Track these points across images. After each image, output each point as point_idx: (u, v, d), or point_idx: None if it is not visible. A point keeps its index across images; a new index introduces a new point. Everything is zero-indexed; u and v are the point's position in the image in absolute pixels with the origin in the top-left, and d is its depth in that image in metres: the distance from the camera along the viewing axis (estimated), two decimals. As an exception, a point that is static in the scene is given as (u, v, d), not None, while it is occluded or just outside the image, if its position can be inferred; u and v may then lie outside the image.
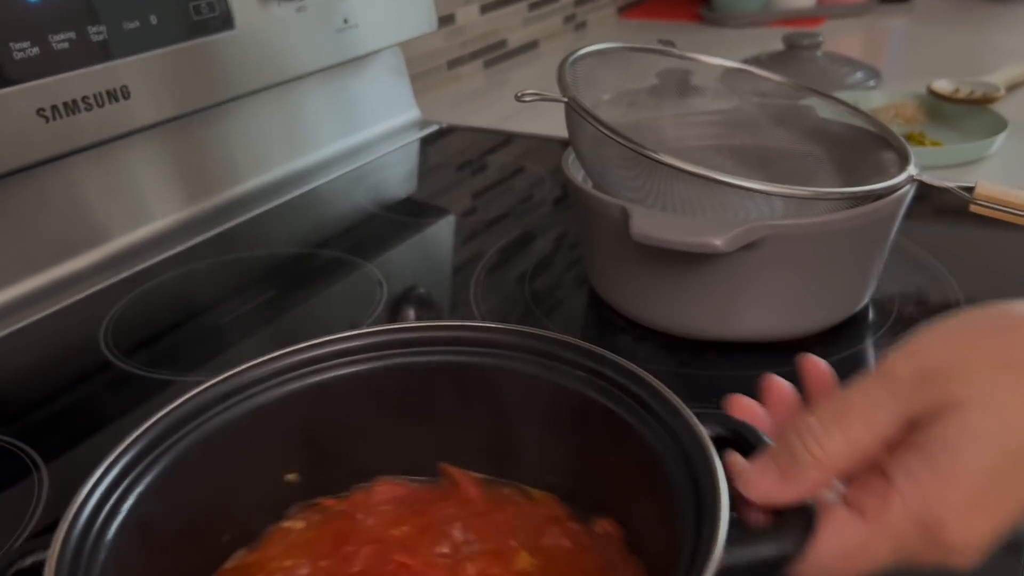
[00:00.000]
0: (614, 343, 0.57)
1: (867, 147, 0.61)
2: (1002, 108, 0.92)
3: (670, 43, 0.67)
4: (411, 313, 0.70)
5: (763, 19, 1.48)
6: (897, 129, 0.94)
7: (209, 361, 0.56)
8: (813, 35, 1.12)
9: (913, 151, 0.84)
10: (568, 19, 1.49)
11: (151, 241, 0.74)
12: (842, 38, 1.37)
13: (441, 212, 0.82)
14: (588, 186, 0.58)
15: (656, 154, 0.50)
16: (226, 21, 0.74)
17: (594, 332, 0.60)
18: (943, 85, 0.96)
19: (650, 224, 0.50)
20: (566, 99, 0.54)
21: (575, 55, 0.59)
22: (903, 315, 0.58)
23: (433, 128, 1.03)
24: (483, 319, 0.61)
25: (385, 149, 0.95)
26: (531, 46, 1.41)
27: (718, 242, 0.48)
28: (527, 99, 0.54)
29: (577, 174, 0.59)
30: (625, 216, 0.51)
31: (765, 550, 0.27)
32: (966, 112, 0.93)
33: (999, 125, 0.88)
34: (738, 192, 0.51)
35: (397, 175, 0.91)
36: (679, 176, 0.51)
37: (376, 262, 0.70)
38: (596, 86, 0.62)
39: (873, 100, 1.00)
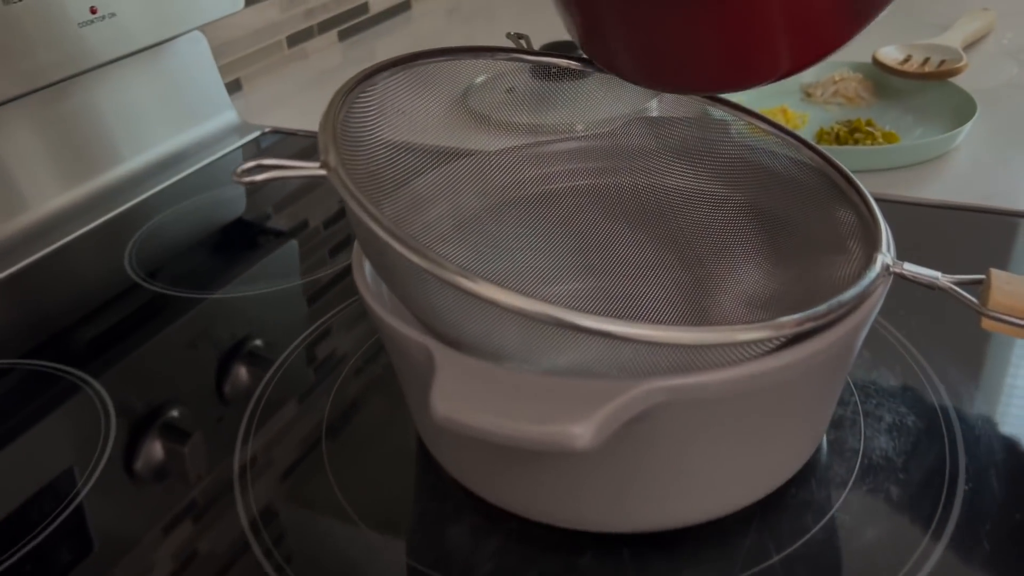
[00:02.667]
0: (449, 532, 0.37)
1: (809, 189, 0.41)
2: (963, 78, 0.73)
3: (523, 37, 0.45)
4: (243, 372, 0.50)
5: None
6: (839, 112, 0.75)
7: None
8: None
9: (863, 153, 0.65)
10: (445, -29, 1.26)
11: None
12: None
13: (266, 246, 0.61)
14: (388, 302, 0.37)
15: (456, 276, 0.29)
16: None
17: (426, 510, 0.39)
18: (891, 53, 0.77)
19: (462, 398, 0.29)
20: (323, 171, 0.32)
21: (359, 81, 0.37)
22: (872, 460, 0.39)
23: (255, 134, 0.80)
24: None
25: (176, 175, 0.72)
26: (401, 8, 1.18)
27: (577, 431, 0.28)
28: (257, 181, 0.32)
29: (378, 281, 0.38)
30: (430, 364, 0.31)
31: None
32: (922, 85, 0.74)
33: (965, 105, 0.69)
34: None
35: (180, 216, 0.68)
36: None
37: (107, 376, 0.48)
38: (406, 117, 0.40)
39: (807, 73, 0.79)
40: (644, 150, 0.46)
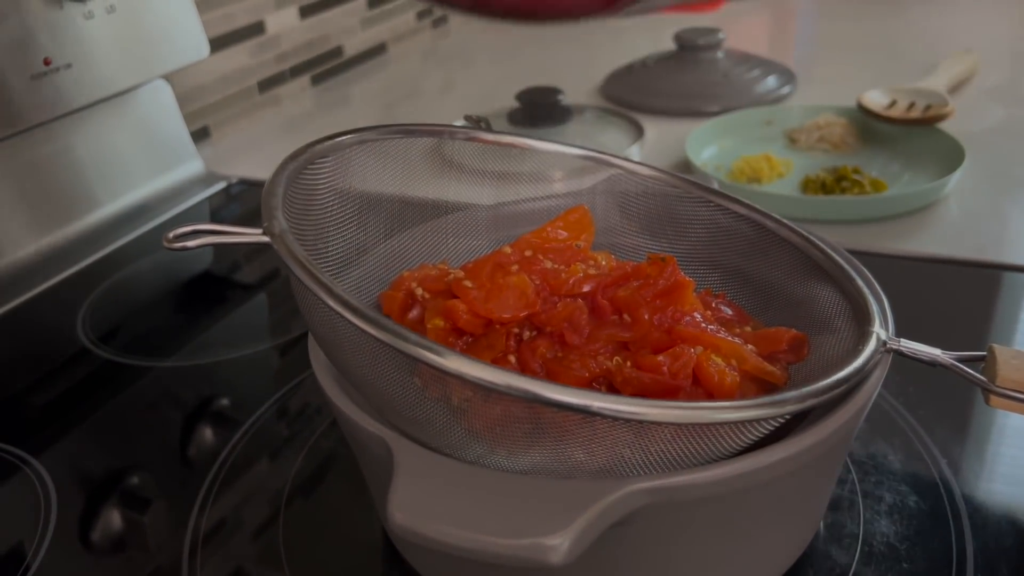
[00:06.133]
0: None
1: (788, 266, 0.38)
2: (949, 123, 0.71)
3: (483, 121, 0.43)
4: (208, 432, 0.47)
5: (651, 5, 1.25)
6: (824, 159, 0.73)
7: None
8: (712, 33, 0.90)
9: (851, 203, 0.62)
10: (423, 14, 1.24)
11: None
12: (742, 23, 1.15)
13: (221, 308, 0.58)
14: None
15: (421, 348, 0.26)
16: None
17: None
18: (876, 98, 0.75)
19: (422, 505, 0.26)
20: (266, 238, 0.30)
21: (308, 147, 0.34)
22: (873, 547, 0.36)
23: (221, 185, 0.77)
24: None
25: (139, 228, 0.69)
26: (376, 51, 1.16)
27: (552, 543, 0.25)
28: (190, 247, 0.29)
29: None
30: (389, 460, 0.28)
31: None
32: (908, 131, 0.72)
33: (952, 151, 0.67)
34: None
35: (142, 273, 0.65)
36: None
37: (48, 454, 0.45)
38: (360, 184, 0.37)
39: (791, 117, 0.78)
40: (609, 227, 0.43)
